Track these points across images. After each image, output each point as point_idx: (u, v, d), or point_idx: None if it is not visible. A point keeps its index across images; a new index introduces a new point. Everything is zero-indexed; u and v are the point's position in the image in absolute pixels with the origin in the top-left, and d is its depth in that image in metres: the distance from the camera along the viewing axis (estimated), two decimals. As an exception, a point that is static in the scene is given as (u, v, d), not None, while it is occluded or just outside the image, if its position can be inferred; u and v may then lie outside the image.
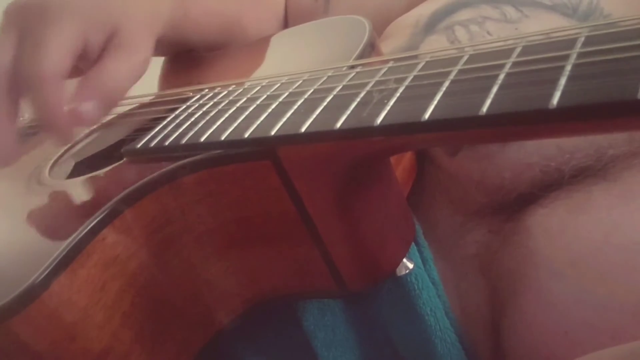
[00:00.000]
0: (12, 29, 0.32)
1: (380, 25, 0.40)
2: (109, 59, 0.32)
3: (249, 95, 0.28)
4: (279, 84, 0.28)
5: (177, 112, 0.30)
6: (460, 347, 0.31)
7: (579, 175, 0.30)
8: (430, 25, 0.37)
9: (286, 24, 0.52)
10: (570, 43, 0.20)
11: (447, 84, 0.21)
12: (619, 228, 0.27)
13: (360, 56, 0.30)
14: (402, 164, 0.33)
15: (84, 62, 0.33)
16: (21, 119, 0.48)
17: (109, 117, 0.39)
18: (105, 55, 0.32)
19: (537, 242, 0.29)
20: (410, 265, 0.30)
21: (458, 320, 0.32)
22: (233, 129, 0.25)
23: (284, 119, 0.24)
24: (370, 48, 0.32)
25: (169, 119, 0.30)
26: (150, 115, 0.36)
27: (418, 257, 0.33)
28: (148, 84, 0.41)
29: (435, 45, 0.35)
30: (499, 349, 0.29)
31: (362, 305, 0.33)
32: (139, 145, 0.28)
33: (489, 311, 0.31)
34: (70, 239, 0.23)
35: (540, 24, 0.33)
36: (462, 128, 0.19)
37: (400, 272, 0.30)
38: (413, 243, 0.33)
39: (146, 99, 0.39)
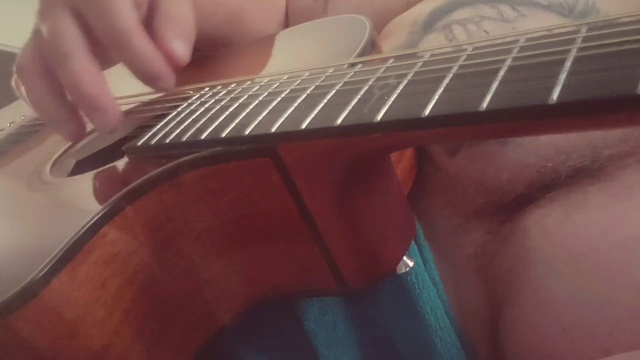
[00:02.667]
0: (60, 7, 0.31)
1: (379, 24, 0.40)
2: (165, 1, 0.32)
3: (250, 93, 0.28)
4: (279, 82, 0.28)
5: (178, 109, 0.31)
6: (460, 347, 0.31)
7: (575, 175, 0.30)
8: (429, 24, 0.37)
9: (287, 23, 0.52)
10: (570, 39, 0.20)
11: (447, 80, 0.21)
12: (615, 225, 0.27)
13: (361, 54, 0.30)
14: (402, 163, 0.33)
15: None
16: (22, 117, 0.48)
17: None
18: (158, 2, 0.32)
19: (534, 241, 0.29)
20: (411, 263, 0.30)
21: (457, 320, 0.32)
22: (234, 126, 0.25)
23: (285, 116, 0.24)
24: (371, 46, 0.32)
25: (170, 116, 0.30)
26: (152, 113, 0.36)
27: (419, 256, 0.33)
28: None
29: (434, 44, 0.35)
30: (498, 348, 0.30)
31: (363, 304, 0.33)
32: (139, 143, 0.28)
33: (487, 311, 0.31)
34: (70, 235, 0.23)
35: (537, 24, 0.33)
36: (462, 124, 0.19)
37: (401, 270, 0.30)
38: (413, 242, 0.33)
39: (148, 98, 0.39)
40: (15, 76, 0.33)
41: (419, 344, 0.31)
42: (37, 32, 0.32)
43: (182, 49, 0.31)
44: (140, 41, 0.30)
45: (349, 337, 0.33)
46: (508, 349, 0.28)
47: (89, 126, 0.38)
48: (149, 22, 0.32)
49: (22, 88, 0.32)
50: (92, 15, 0.30)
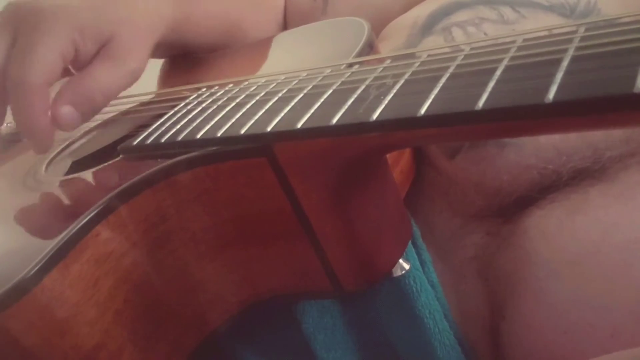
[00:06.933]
0: (6, 31, 0.32)
1: (378, 26, 0.40)
2: (96, 66, 0.32)
3: (247, 93, 0.28)
4: (276, 82, 0.28)
5: (175, 109, 0.30)
6: (459, 350, 0.31)
7: (576, 177, 0.30)
8: (428, 27, 0.37)
9: (285, 25, 0.52)
10: (567, 39, 0.20)
11: (444, 79, 0.21)
12: (616, 227, 0.27)
13: (359, 56, 0.30)
14: (399, 166, 0.33)
15: (75, 65, 0.33)
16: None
17: (106, 117, 0.39)
18: (93, 62, 0.32)
19: (534, 243, 0.29)
20: (407, 266, 0.30)
21: (457, 323, 0.32)
22: (229, 126, 0.25)
23: (281, 116, 0.24)
24: (369, 48, 0.32)
25: (166, 116, 0.30)
26: (150, 113, 0.36)
27: (416, 259, 0.33)
28: (148, 84, 0.41)
29: (433, 46, 0.35)
30: (499, 350, 0.29)
31: (362, 307, 0.33)
32: (135, 143, 0.28)
33: (488, 313, 0.31)
34: (63, 234, 0.23)
35: (537, 25, 0.33)
36: (458, 123, 0.19)
37: (396, 272, 0.30)
38: (411, 245, 0.33)
39: (145, 98, 0.39)
40: None
41: (418, 347, 0.31)
42: None
43: (68, 118, 0.31)
44: (33, 100, 0.30)
45: (348, 341, 0.33)
46: (509, 351, 0.28)
47: (86, 126, 0.38)
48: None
49: None
50: (15, 50, 0.31)
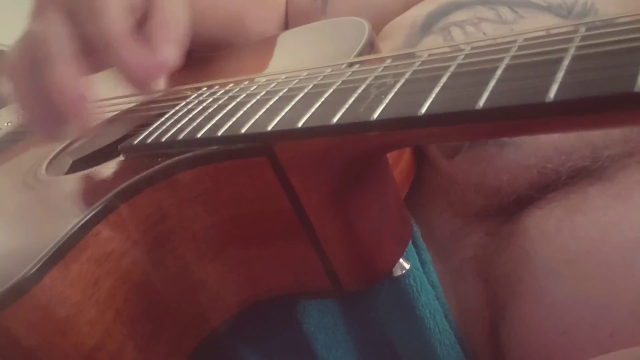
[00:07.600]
0: (54, 9, 0.31)
1: (377, 26, 0.40)
2: (162, 5, 0.31)
3: (247, 92, 0.28)
4: (277, 82, 0.28)
5: (176, 108, 0.30)
6: (459, 350, 0.31)
7: (575, 176, 0.30)
8: (427, 26, 0.37)
9: (286, 25, 0.52)
10: (568, 38, 0.20)
11: (444, 79, 0.21)
12: (615, 227, 0.27)
13: (360, 55, 0.30)
14: (399, 166, 0.33)
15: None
16: (20, 117, 0.48)
17: (106, 116, 0.39)
18: (155, 5, 0.32)
19: (534, 243, 0.29)
20: (407, 266, 0.30)
21: (457, 323, 0.32)
22: (230, 125, 0.25)
23: (281, 115, 0.24)
24: (370, 47, 0.32)
25: (167, 115, 0.30)
26: (151, 112, 0.36)
27: (417, 259, 0.33)
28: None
29: (433, 45, 0.35)
30: (499, 350, 0.29)
31: (362, 307, 0.33)
32: (136, 142, 0.28)
33: (487, 313, 0.31)
34: (63, 233, 0.23)
35: (535, 25, 0.33)
36: (458, 122, 0.19)
37: (397, 272, 0.30)
38: (412, 245, 0.33)
39: (146, 97, 0.39)
40: (4, 74, 0.33)
41: (418, 347, 0.31)
42: (27, 32, 0.32)
43: (171, 54, 0.30)
44: (127, 47, 0.29)
45: (349, 340, 0.33)
46: (509, 351, 0.28)
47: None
48: (144, 26, 0.32)
49: (9, 87, 0.32)
50: (82, 18, 0.30)
